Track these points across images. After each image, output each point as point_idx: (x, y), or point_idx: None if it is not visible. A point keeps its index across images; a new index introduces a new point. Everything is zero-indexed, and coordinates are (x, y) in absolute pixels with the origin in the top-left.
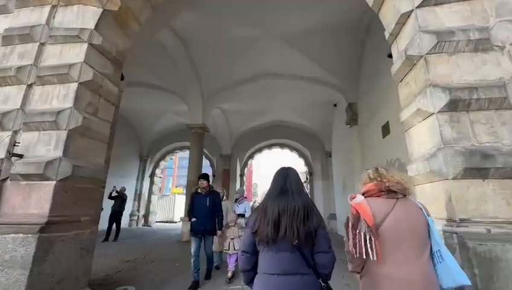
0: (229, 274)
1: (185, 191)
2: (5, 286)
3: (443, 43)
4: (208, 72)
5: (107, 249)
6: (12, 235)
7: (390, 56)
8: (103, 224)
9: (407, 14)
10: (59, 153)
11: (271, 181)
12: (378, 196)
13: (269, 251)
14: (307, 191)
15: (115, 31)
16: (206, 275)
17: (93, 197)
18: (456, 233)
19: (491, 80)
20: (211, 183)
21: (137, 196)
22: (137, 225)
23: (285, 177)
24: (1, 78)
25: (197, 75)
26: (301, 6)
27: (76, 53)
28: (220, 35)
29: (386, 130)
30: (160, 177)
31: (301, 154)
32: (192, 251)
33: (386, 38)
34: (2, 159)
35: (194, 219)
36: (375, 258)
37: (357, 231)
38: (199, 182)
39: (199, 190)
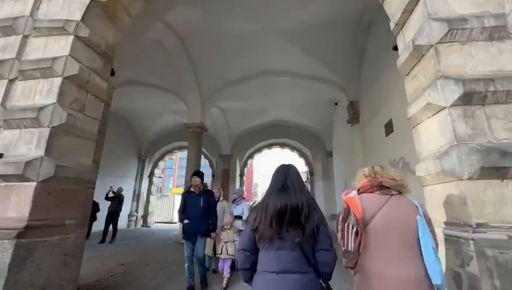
0: (224, 282)
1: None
2: None
3: (455, 31)
4: (206, 70)
5: (103, 251)
6: None
7: (395, 48)
8: (100, 225)
9: (415, 2)
10: (41, 152)
11: (271, 178)
12: (372, 192)
13: (269, 249)
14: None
15: (104, 23)
16: (201, 282)
17: (79, 199)
18: (473, 239)
19: (508, 71)
20: (205, 182)
21: (136, 197)
22: (135, 226)
23: (285, 174)
24: None
25: (195, 74)
26: (301, 1)
27: (61, 46)
28: (218, 32)
29: (389, 128)
30: (161, 177)
31: (302, 154)
32: (185, 255)
33: (391, 29)
34: None
35: (186, 221)
36: (360, 250)
37: (346, 224)
38: (192, 180)
39: (192, 189)
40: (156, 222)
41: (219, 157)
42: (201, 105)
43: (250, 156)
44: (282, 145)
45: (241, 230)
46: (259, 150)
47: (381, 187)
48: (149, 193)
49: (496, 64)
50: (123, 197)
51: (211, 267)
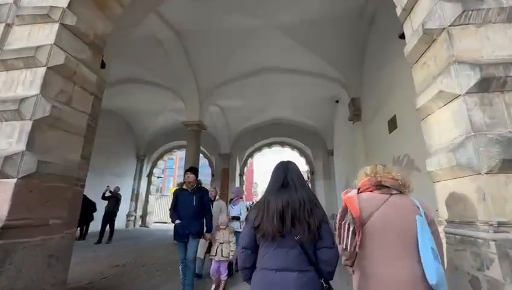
0: (213, 287)
1: None
2: None
3: (469, 12)
4: (205, 66)
5: (99, 251)
6: None
7: (401, 37)
8: (97, 225)
9: None
10: (22, 146)
11: (271, 175)
12: (371, 191)
13: (269, 246)
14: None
15: (93, 12)
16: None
17: (66, 197)
18: (494, 240)
19: None
20: (200, 179)
21: (135, 196)
22: (134, 226)
23: (285, 170)
24: None
25: (193, 70)
26: None
27: (45, 34)
28: (216, 28)
29: (392, 124)
30: (161, 177)
31: (302, 153)
32: (179, 257)
33: (398, 15)
34: None
35: (177, 221)
36: (357, 250)
37: (343, 223)
38: (185, 176)
39: (184, 186)
40: (155, 222)
41: (218, 156)
42: (199, 102)
43: (250, 155)
44: (283, 144)
45: (237, 232)
46: (259, 149)
47: (380, 186)
48: (148, 192)
49: None
50: (120, 196)
51: (202, 271)
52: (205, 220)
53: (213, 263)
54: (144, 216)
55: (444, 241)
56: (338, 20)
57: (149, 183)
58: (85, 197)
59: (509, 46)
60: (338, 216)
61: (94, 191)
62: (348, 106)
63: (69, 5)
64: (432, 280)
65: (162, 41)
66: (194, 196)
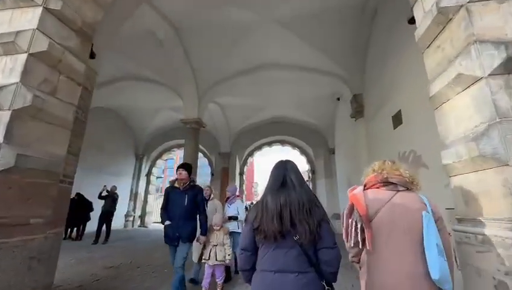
0: None
1: None
2: None
3: None
4: (203, 62)
5: (95, 252)
6: None
7: (411, 22)
8: (94, 225)
9: None
10: None
11: (269, 175)
12: (378, 188)
13: (268, 247)
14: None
15: None
16: None
17: (50, 195)
18: None
19: None
20: (193, 176)
21: (133, 196)
22: (133, 226)
23: (284, 170)
24: None
25: (191, 66)
26: None
27: (28, 19)
28: (214, 21)
29: (397, 120)
30: (161, 177)
31: (303, 152)
32: (171, 262)
33: None
34: None
35: (167, 222)
36: (367, 247)
37: (350, 220)
38: (177, 173)
39: (176, 184)
40: (154, 222)
41: (218, 155)
42: (198, 99)
43: (250, 154)
44: (283, 142)
45: (233, 232)
46: (259, 147)
47: (387, 183)
48: (147, 192)
49: None
50: (117, 196)
51: (192, 275)
52: (200, 222)
53: (206, 268)
54: (142, 216)
55: (460, 241)
56: (339, 14)
57: (148, 182)
58: (82, 196)
59: None
60: (344, 213)
61: (91, 191)
62: (349, 103)
63: None
64: (435, 275)
65: (159, 36)
66: (186, 195)
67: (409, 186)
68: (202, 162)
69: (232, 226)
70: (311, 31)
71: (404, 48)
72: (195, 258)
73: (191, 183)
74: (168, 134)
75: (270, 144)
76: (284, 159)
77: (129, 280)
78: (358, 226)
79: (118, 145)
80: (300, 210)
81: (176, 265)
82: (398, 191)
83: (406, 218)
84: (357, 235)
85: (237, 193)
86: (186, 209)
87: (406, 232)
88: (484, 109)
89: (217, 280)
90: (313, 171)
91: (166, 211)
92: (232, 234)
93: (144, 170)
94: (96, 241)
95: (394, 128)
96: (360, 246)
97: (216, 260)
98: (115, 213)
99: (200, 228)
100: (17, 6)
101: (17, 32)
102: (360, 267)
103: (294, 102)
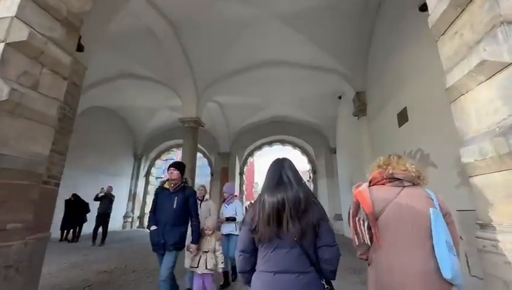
0: None
1: None
2: None
3: None
4: (201, 60)
5: (90, 255)
6: None
7: (422, 9)
8: (91, 226)
9: None
10: None
11: (266, 174)
12: (383, 184)
13: (267, 248)
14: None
15: None
16: None
17: (30, 198)
18: None
19: None
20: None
21: (132, 197)
22: (131, 227)
23: (280, 168)
24: None
25: (189, 64)
26: None
27: (6, 6)
28: (212, 17)
29: (403, 117)
30: (160, 177)
31: (304, 151)
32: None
33: None
34: None
35: (153, 227)
36: (375, 245)
37: (357, 218)
38: (168, 172)
39: (166, 185)
40: None
41: (218, 155)
42: (196, 98)
43: (250, 154)
44: (283, 142)
45: (230, 234)
46: (259, 147)
47: (392, 179)
48: (146, 192)
49: None
50: (113, 197)
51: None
52: (191, 228)
53: (195, 277)
54: (141, 217)
55: (483, 249)
56: (341, 9)
57: (147, 183)
58: (78, 197)
59: None
60: (351, 211)
61: (88, 192)
62: (352, 101)
63: None
64: (447, 274)
65: (156, 32)
66: (176, 197)
67: (415, 181)
68: (202, 162)
69: (230, 228)
70: (312, 27)
71: (409, 42)
72: (187, 264)
73: (183, 185)
74: (167, 134)
75: (270, 143)
76: (280, 157)
77: (122, 285)
78: (365, 224)
79: (116, 145)
80: (298, 208)
81: (161, 276)
82: (404, 186)
83: (413, 214)
84: (365, 233)
85: (235, 193)
86: (174, 213)
87: (414, 228)
88: None
89: None
90: (314, 171)
91: (154, 215)
92: (229, 237)
93: (143, 170)
94: (93, 243)
95: (399, 126)
96: (368, 243)
97: (206, 268)
98: (111, 214)
99: (192, 235)
100: None
101: None
102: (369, 264)
103: (294, 101)
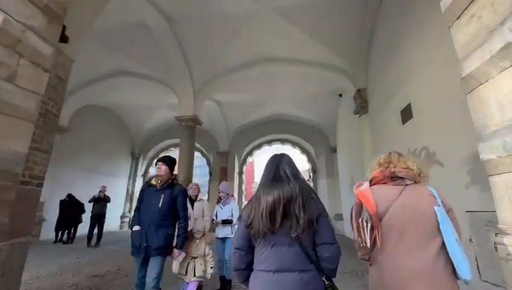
0: None
1: None
2: None
3: None
4: (199, 56)
5: (83, 257)
6: None
7: None
8: (85, 228)
9: None
10: None
11: (263, 169)
12: (385, 183)
13: (265, 245)
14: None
15: None
16: None
17: (5, 199)
18: None
19: None
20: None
21: (129, 197)
22: (129, 228)
23: (278, 163)
24: None
25: (186, 60)
26: None
27: None
28: (210, 12)
29: (407, 114)
30: None
31: (304, 151)
32: (136, 281)
33: None
34: None
35: (136, 228)
36: (379, 247)
37: (360, 220)
38: (156, 168)
39: (153, 181)
40: None
41: (216, 154)
42: (193, 96)
43: (250, 153)
44: (283, 141)
45: (226, 238)
46: (259, 146)
47: (394, 178)
48: None
49: None
50: (109, 198)
51: None
52: (177, 231)
53: (184, 286)
54: None
55: (508, 257)
56: (343, 3)
57: None
58: (73, 197)
59: None
60: (353, 213)
61: (84, 192)
62: (353, 98)
63: None
64: (466, 275)
65: (152, 28)
66: (162, 195)
67: (416, 179)
68: (201, 162)
69: (225, 231)
70: (313, 22)
71: (414, 35)
72: (175, 269)
73: (172, 182)
74: (166, 133)
75: (269, 142)
76: (278, 153)
77: None
78: (369, 225)
79: (113, 145)
80: (295, 204)
81: (147, 286)
82: (406, 185)
83: (418, 214)
84: (368, 234)
85: (231, 193)
86: (160, 213)
87: (419, 227)
88: None
89: None
90: (314, 170)
91: (138, 214)
92: (224, 240)
93: (140, 170)
94: (88, 245)
95: (403, 124)
96: (368, 246)
97: (194, 275)
98: (107, 215)
99: (177, 237)
100: None
101: None
102: (370, 264)
103: (294, 99)
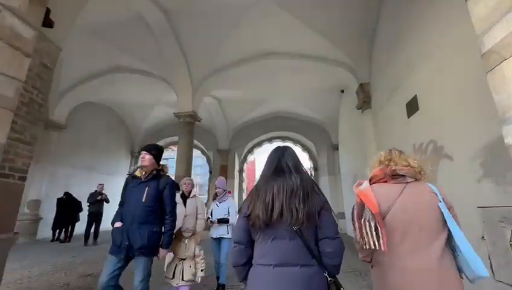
0: None
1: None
2: None
3: None
4: (197, 51)
5: (78, 256)
6: None
7: None
8: (82, 226)
9: None
10: None
11: (265, 162)
12: (386, 181)
13: (264, 239)
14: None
15: None
16: None
17: None
18: None
19: None
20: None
21: None
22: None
23: (280, 155)
24: None
25: (184, 55)
26: None
27: None
28: (208, 4)
29: (412, 107)
30: None
31: (305, 148)
32: (99, 280)
33: None
34: None
35: (117, 224)
36: (382, 248)
37: (362, 220)
38: (140, 158)
39: (137, 173)
40: None
41: (216, 152)
42: (192, 91)
43: (250, 151)
44: (284, 138)
45: (221, 238)
46: (259, 144)
47: (394, 176)
48: None
49: None
50: (107, 197)
51: None
52: (164, 228)
53: None
54: None
55: None
56: None
57: None
58: (70, 196)
59: None
60: (355, 213)
61: (81, 190)
62: (356, 94)
63: None
64: (483, 272)
65: (149, 22)
66: (147, 187)
67: (417, 176)
68: (200, 161)
69: (221, 230)
70: (314, 14)
71: (421, 23)
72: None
73: (158, 173)
74: (165, 131)
75: (270, 140)
76: (281, 145)
77: None
78: (372, 225)
79: (112, 143)
80: (294, 196)
81: (135, 286)
82: (407, 183)
83: (420, 211)
84: (373, 235)
85: (228, 189)
86: (144, 208)
87: (422, 227)
88: None
89: None
90: (315, 168)
91: (121, 209)
92: (220, 241)
93: None
94: (85, 243)
95: (408, 117)
96: (372, 247)
97: (182, 279)
98: (106, 213)
99: (163, 235)
100: None
101: None
102: (372, 266)
103: (295, 95)
